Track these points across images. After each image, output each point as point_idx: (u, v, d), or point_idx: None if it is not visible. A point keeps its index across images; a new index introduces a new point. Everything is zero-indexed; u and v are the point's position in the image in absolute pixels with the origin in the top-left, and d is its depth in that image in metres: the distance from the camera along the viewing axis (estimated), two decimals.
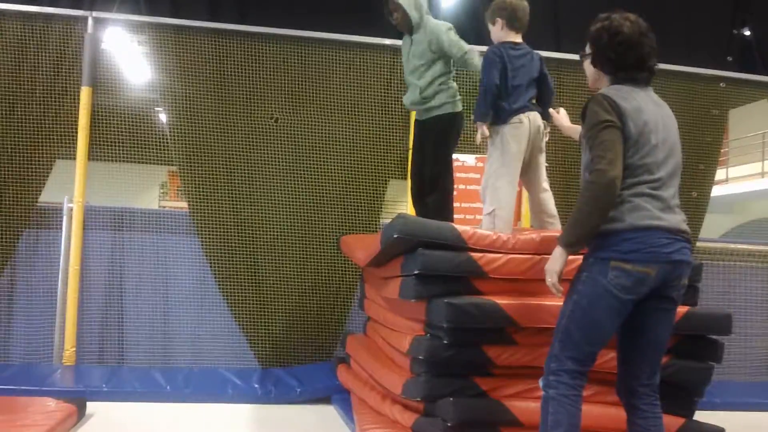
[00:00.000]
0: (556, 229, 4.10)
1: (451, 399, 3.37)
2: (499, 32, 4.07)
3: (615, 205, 2.65)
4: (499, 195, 3.92)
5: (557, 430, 2.68)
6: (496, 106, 3.92)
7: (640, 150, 2.68)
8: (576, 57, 5.87)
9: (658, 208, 2.67)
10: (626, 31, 2.77)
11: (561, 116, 3.86)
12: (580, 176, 2.90)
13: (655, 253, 2.63)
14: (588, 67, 2.94)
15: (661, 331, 2.82)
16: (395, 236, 3.47)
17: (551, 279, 2.75)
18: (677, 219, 2.72)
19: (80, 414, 4.12)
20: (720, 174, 15.03)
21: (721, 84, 6.33)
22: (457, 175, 5.87)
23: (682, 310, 3.57)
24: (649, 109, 2.76)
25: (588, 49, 2.90)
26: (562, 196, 5.28)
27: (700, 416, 3.70)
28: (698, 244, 6.17)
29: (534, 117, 3.99)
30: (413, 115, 5.72)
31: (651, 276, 2.64)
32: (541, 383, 2.81)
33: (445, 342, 3.36)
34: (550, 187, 4.21)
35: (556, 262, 2.74)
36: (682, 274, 2.75)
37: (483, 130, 3.94)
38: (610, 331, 2.75)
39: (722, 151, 9.12)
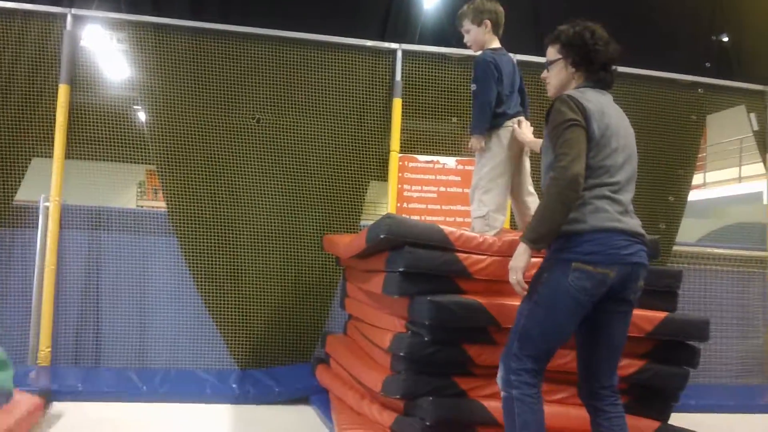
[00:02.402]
0: None
1: (431, 398, 3.38)
2: (484, 35, 3.99)
3: (577, 206, 2.70)
4: (493, 198, 3.90)
5: (526, 430, 2.71)
6: (494, 113, 3.89)
7: (602, 151, 2.74)
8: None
9: (618, 211, 2.73)
10: (600, 29, 2.89)
11: (523, 129, 3.87)
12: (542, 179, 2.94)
13: (615, 255, 2.68)
14: (558, 72, 2.96)
15: (618, 333, 2.87)
16: (382, 236, 3.48)
17: (516, 276, 2.78)
18: (635, 223, 2.79)
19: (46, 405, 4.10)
20: (698, 178, 15.20)
21: (699, 90, 6.40)
22: (438, 177, 5.93)
23: (660, 315, 3.61)
24: (611, 113, 2.82)
25: (557, 55, 2.94)
26: None
27: (675, 418, 3.74)
28: (675, 248, 6.23)
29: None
30: (396, 117, 5.75)
31: (610, 277, 2.69)
32: (500, 383, 2.83)
33: (427, 339, 3.36)
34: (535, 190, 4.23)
35: (520, 258, 2.77)
36: (639, 277, 2.80)
37: (481, 143, 3.92)
38: (569, 331, 2.80)
39: (700, 156, 9.21)
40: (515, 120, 3.92)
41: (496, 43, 4.01)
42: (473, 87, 3.97)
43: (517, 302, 3.38)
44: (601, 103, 2.80)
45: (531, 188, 4.11)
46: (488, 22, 3.97)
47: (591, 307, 2.75)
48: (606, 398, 2.87)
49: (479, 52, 4.05)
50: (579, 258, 2.68)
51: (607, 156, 2.74)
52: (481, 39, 4.01)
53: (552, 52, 2.98)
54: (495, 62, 3.86)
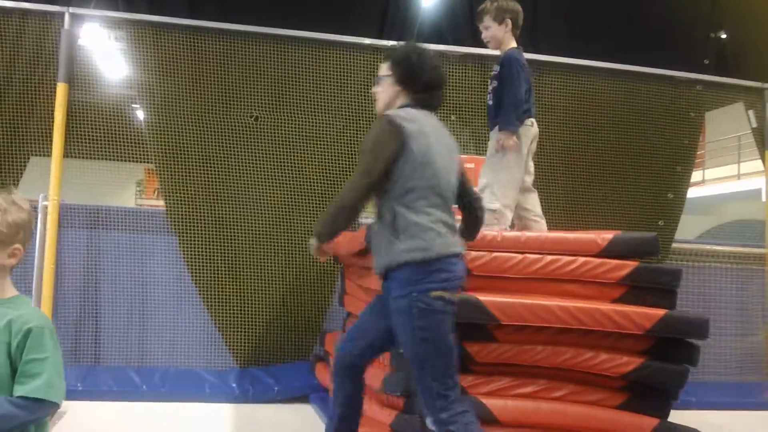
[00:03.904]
0: (541, 229, 4.14)
1: None
2: (504, 33, 4.03)
3: (416, 232, 2.74)
4: (506, 192, 3.91)
5: None
6: None
7: (426, 171, 2.78)
8: (554, 59, 5.94)
9: (450, 233, 2.83)
10: (430, 54, 2.97)
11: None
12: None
13: (459, 279, 2.82)
14: (386, 88, 3.00)
15: None
16: None
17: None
18: (458, 239, 2.90)
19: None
20: (696, 176, 15.21)
21: (697, 87, 6.40)
22: None
23: (659, 312, 3.61)
24: (432, 132, 2.87)
25: (387, 71, 2.99)
26: (545, 197, 5.31)
27: (674, 415, 3.73)
28: (674, 245, 6.23)
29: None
30: None
31: (456, 298, 2.81)
32: (433, 426, 2.82)
33: None
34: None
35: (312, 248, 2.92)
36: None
37: (513, 139, 3.91)
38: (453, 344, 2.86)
39: (699, 153, 9.22)
40: (532, 120, 3.97)
41: (514, 43, 4.06)
42: (494, 84, 3.98)
43: (518, 299, 3.40)
44: (422, 123, 2.84)
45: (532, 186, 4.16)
46: (509, 22, 4.03)
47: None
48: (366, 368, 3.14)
49: (497, 51, 4.11)
50: (436, 287, 2.73)
51: (432, 176, 2.80)
52: (500, 37, 4.07)
53: (384, 68, 3.02)
54: (523, 62, 3.92)
